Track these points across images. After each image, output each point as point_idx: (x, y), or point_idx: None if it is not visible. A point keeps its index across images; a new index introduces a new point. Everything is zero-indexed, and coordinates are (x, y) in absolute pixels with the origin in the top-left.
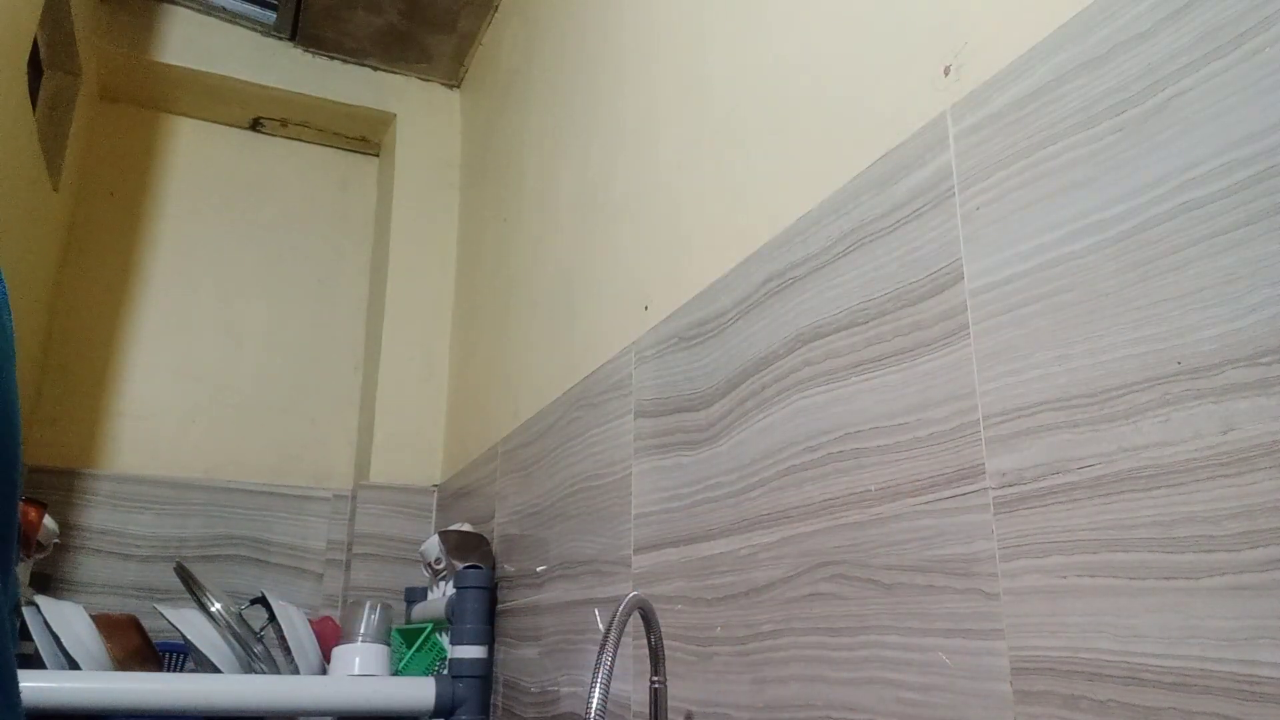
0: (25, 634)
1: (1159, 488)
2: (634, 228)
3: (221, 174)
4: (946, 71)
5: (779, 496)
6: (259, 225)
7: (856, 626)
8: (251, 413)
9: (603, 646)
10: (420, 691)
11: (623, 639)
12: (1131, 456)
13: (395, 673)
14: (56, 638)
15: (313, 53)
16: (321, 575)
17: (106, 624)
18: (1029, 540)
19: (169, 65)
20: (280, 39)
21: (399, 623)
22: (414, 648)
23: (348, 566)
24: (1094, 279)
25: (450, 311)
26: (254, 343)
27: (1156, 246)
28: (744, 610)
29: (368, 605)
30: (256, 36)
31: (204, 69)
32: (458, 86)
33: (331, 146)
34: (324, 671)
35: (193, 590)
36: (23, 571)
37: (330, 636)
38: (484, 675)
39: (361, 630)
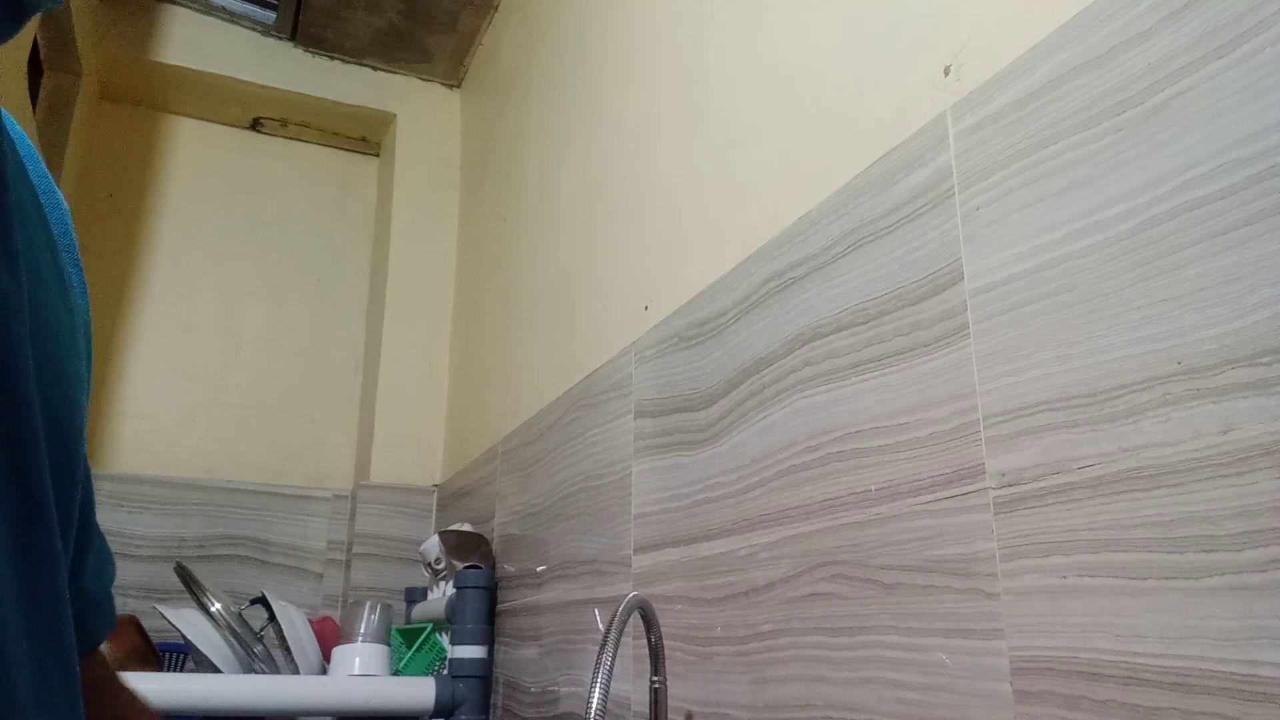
0: None
1: (1159, 488)
2: (634, 228)
3: (221, 174)
4: (946, 71)
5: (779, 496)
6: (259, 225)
7: (856, 626)
8: (251, 413)
9: (603, 646)
10: (420, 691)
11: (623, 639)
12: (1131, 456)
13: (395, 673)
14: None
15: (313, 53)
16: (321, 575)
17: None
18: (1029, 540)
19: (169, 65)
20: (280, 39)
21: (399, 623)
22: (414, 648)
23: (348, 566)
24: (1094, 279)
25: (450, 311)
26: (254, 343)
27: (1156, 246)
28: (744, 610)
29: (368, 605)
30: (256, 36)
31: (204, 69)
32: (458, 86)
33: (331, 146)
34: (324, 671)
35: (193, 590)
36: None
37: (330, 636)
38: (484, 675)
39: (361, 630)
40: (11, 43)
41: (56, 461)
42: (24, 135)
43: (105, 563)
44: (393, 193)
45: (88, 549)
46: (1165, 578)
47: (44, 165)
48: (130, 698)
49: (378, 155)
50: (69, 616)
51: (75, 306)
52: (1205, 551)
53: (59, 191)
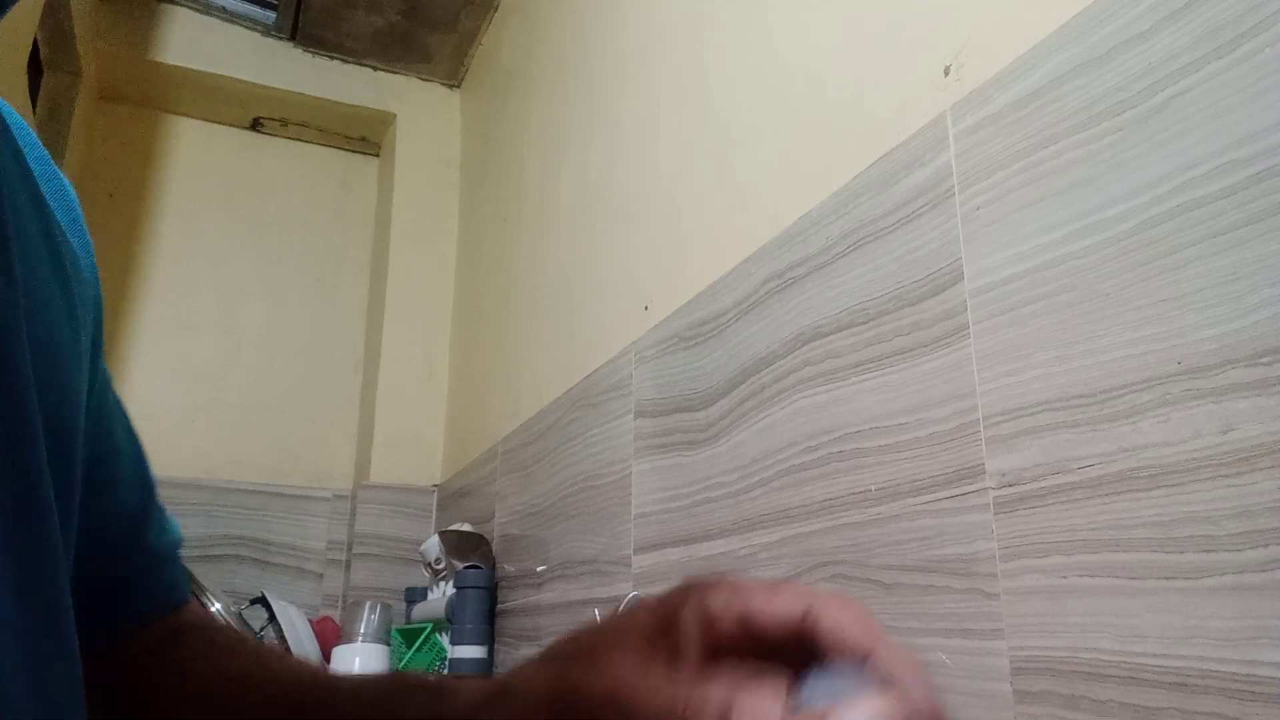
0: None
1: (1159, 488)
2: (634, 228)
3: (221, 174)
4: (946, 71)
5: (779, 496)
6: (259, 225)
7: None
8: (251, 413)
9: None
10: None
11: None
12: (1131, 456)
13: None
14: None
15: (313, 53)
16: (321, 575)
17: None
18: (1029, 540)
19: (169, 65)
20: (280, 39)
21: (399, 623)
22: (414, 648)
23: (348, 566)
24: (1094, 279)
25: (450, 311)
26: (254, 343)
27: (1156, 246)
28: None
29: (368, 605)
30: (256, 36)
31: (204, 69)
32: (458, 86)
33: (331, 146)
34: None
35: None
36: None
37: (330, 636)
38: (484, 675)
39: (361, 630)
40: (11, 42)
41: (56, 455)
42: (22, 122)
43: (168, 523)
44: (393, 193)
45: (148, 515)
46: (1165, 578)
47: (43, 149)
48: (228, 638)
49: (378, 155)
50: (69, 606)
51: (78, 290)
52: (1205, 551)
53: (62, 175)
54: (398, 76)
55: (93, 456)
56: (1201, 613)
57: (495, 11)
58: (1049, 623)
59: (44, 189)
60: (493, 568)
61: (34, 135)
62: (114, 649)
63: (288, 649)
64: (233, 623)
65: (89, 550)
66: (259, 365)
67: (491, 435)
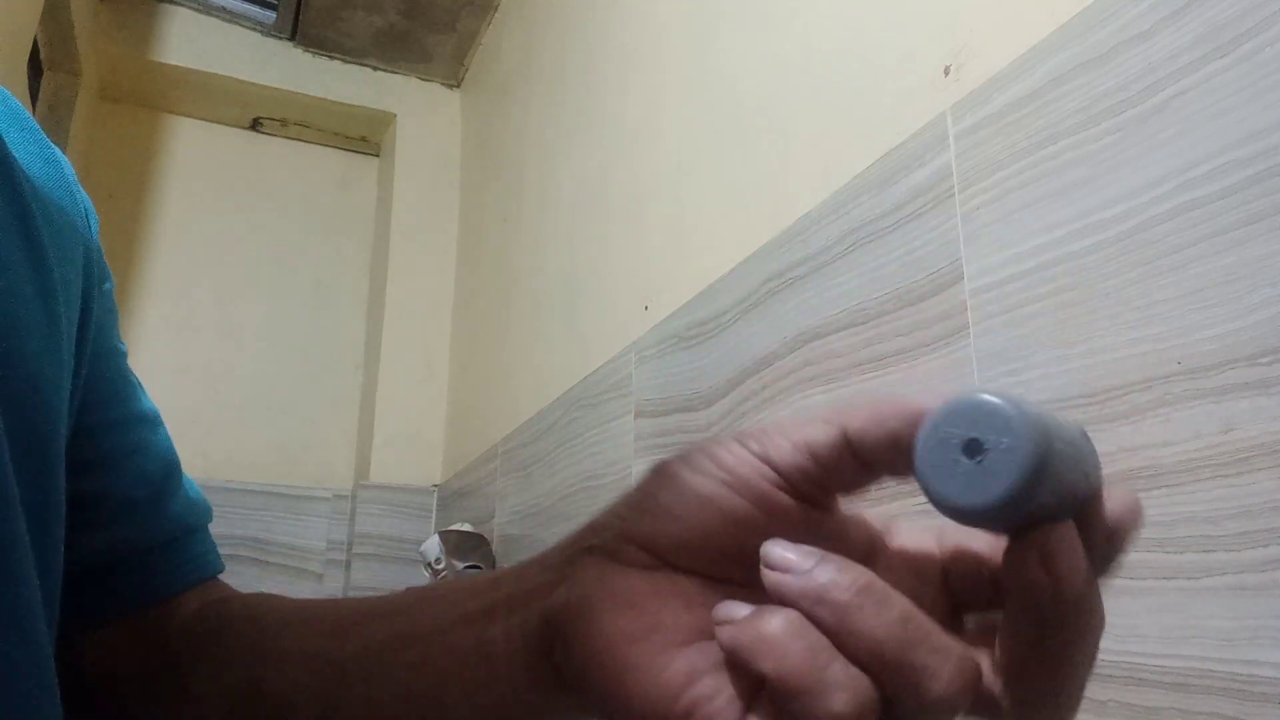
0: None
1: (1159, 488)
2: (634, 228)
3: (221, 174)
4: (946, 71)
5: None
6: (258, 225)
7: None
8: (251, 413)
9: None
10: None
11: None
12: (1131, 456)
13: None
14: None
15: (313, 53)
16: (321, 575)
17: None
18: None
19: (169, 65)
20: (280, 39)
21: None
22: None
23: (348, 566)
24: (1094, 279)
25: (450, 311)
26: (253, 343)
27: (1156, 246)
28: None
29: None
30: (256, 36)
31: (204, 69)
32: (458, 86)
33: (331, 146)
34: None
35: None
36: None
37: None
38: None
39: None
40: (11, 43)
41: (23, 445)
42: (8, 97)
43: (194, 496)
44: (393, 193)
45: (172, 487)
46: (1165, 578)
47: (25, 114)
48: (269, 598)
49: (378, 155)
50: (37, 605)
51: (58, 269)
52: (1205, 551)
53: (55, 149)
54: (398, 76)
55: (111, 422)
56: (1201, 613)
57: (495, 11)
58: None
59: (22, 156)
60: (493, 567)
61: (16, 103)
62: (151, 624)
63: None
64: None
65: (110, 525)
66: (259, 365)
67: (491, 435)
